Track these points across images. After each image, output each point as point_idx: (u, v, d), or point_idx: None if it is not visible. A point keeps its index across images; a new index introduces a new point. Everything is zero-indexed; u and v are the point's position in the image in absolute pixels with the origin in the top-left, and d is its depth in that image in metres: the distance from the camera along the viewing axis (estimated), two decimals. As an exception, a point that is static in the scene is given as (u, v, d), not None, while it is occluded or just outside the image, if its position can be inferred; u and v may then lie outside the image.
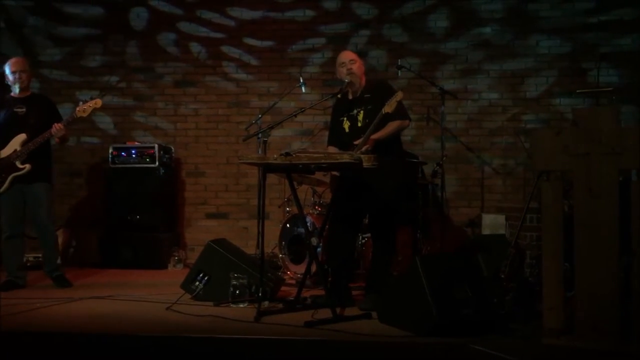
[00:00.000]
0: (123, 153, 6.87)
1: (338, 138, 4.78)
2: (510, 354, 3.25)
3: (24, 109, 5.32)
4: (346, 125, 4.70)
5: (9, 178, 5.22)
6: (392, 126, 4.51)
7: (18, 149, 5.23)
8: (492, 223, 6.60)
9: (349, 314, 4.23)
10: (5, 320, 4.01)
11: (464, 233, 6.87)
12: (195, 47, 7.41)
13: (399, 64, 6.41)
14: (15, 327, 3.90)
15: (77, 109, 5.26)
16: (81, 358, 3.66)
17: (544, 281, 3.46)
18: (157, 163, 6.84)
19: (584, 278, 3.34)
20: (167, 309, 4.41)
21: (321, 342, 3.60)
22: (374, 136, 4.41)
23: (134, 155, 6.87)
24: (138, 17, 7.43)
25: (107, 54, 7.45)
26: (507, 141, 6.97)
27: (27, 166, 5.22)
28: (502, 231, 6.22)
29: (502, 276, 4.40)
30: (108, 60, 7.46)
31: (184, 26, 7.41)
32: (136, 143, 7.00)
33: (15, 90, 5.37)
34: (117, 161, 6.89)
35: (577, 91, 5.95)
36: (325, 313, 4.11)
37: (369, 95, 4.61)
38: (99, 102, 5.30)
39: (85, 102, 5.29)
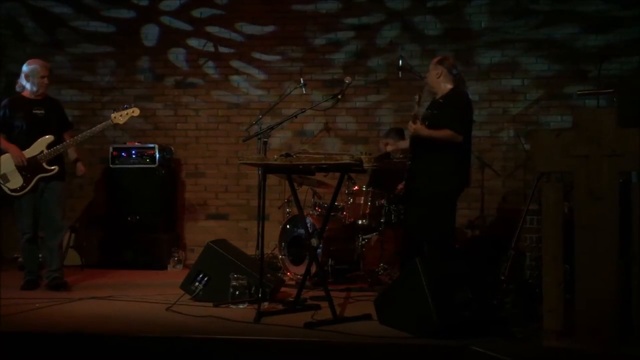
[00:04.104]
0: (123, 153, 6.87)
1: None
2: (510, 355, 3.25)
3: (42, 111, 5.35)
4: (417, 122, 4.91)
5: (35, 178, 5.24)
6: (443, 132, 4.63)
7: (45, 150, 5.25)
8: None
9: (348, 315, 4.23)
10: (5, 320, 4.00)
11: (464, 235, 6.87)
12: (198, 43, 7.42)
13: (400, 64, 6.41)
14: (15, 327, 3.90)
15: (113, 115, 5.36)
16: (81, 358, 3.65)
17: (544, 283, 3.46)
18: (157, 163, 6.84)
19: (584, 280, 3.34)
20: (167, 309, 4.40)
21: (321, 343, 3.59)
22: (421, 130, 4.66)
23: (134, 156, 6.87)
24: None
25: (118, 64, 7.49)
26: (507, 143, 6.97)
27: (56, 168, 5.28)
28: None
29: (502, 278, 4.39)
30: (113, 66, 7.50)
31: (186, 28, 7.42)
32: (136, 143, 6.99)
33: (34, 90, 5.34)
34: (117, 162, 6.89)
35: (578, 92, 5.95)
36: (325, 314, 4.12)
37: (441, 101, 4.80)
38: (136, 111, 5.42)
39: (121, 109, 5.39)
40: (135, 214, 6.81)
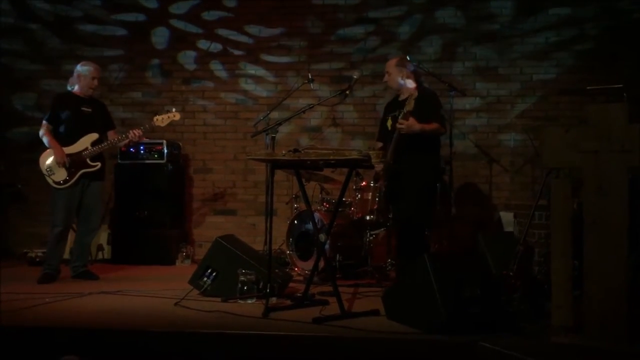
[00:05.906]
0: (131, 149, 6.87)
1: (384, 134, 5.25)
2: (518, 352, 3.24)
3: (90, 110, 5.57)
4: (389, 123, 5.15)
5: (79, 173, 5.42)
6: (432, 125, 4.93)
7: (89, 147, 5.45)
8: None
9: (356, 310, 4.23)
10: (15, 314, 4.03)
11: (472, 231, 6.85)
12: (204, 44, 7.43)
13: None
14: (24, 321, 3.92)
15: (155, 118, 5.58)
16: (89, 353, 3.66)
17: (553, 279, 3.45)
18: (165, 159, 6.86)
19: (593, 276, 3.33)
20: (175, 304, 4.42)
21: (329, 338, 3.59)
22: (414, 125, 4.80)
23: (142, 152, 6.89)
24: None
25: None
26: (515, 138, 6.96)
27: (99, 164, 5.52)
28: (510, 229, 6.21)
29: (511, 274, 4.38)
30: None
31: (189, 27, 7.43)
32: (145, 139, 6.99)
33: (83, 89, 5.56)
34: (125, 157, 6.91)
35: (587, 88, 5.90)
36: (333, 310, 4.12)
37: (413, 100, 4.95)
38: (177, 115, 5.62)
39: (162, 113, 5.60)
40: (144, 210, 6.83)
